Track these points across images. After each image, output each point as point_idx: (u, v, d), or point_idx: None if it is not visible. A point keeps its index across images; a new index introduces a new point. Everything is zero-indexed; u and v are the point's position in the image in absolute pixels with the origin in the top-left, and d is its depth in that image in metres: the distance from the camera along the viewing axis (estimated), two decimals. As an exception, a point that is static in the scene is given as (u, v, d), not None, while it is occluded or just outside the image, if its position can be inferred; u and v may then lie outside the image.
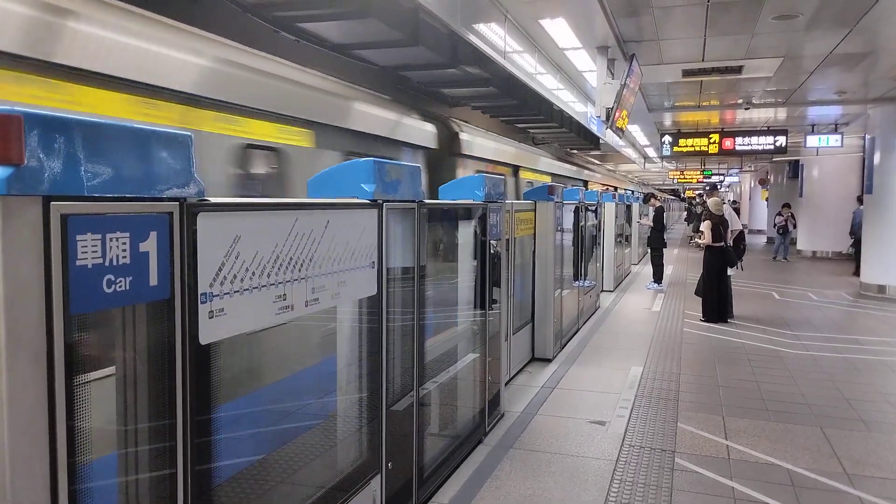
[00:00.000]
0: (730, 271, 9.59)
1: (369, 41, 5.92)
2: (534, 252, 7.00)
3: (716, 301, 9.37)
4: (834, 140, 15.91)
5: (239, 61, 3.87)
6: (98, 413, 1.62)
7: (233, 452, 2.62)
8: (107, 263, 1.55)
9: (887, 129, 12.24)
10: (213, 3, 4.71)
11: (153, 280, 1.70)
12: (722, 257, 9.41)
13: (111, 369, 1.73)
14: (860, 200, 16.39)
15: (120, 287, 1.59)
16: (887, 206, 12.13)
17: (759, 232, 30.74)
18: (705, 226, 9.51)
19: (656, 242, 13.33)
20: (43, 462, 1.43)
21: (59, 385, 1.45)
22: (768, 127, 16.31)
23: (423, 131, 6.37)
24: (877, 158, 12.45)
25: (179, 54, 3.36)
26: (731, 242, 9.69)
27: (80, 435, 1.51)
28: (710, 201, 9.84)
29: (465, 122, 8.39)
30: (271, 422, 3.25)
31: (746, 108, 13.61)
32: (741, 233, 10.17)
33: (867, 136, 13.25)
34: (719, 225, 9.38)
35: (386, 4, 5.25)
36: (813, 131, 16.41)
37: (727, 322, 9.29)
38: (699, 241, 10.02)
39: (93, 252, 1.52)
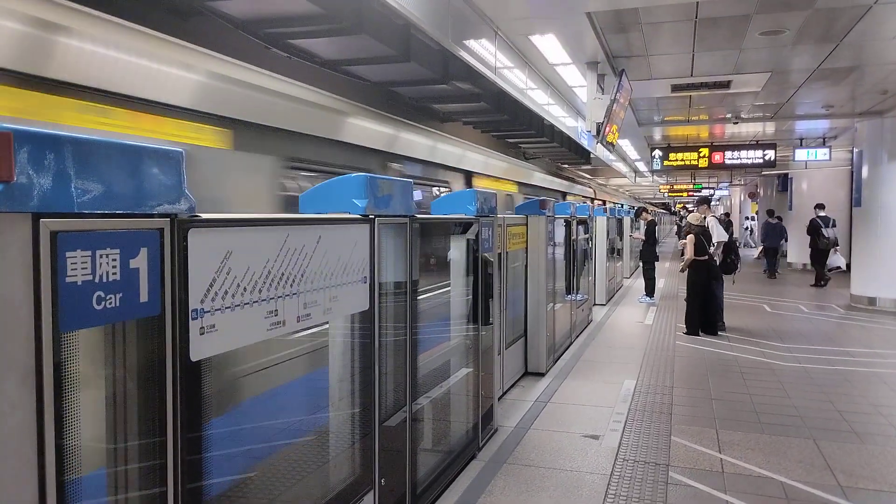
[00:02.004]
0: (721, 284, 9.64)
1: (361, 57, 5.95)
2: (526, 266, 7.01)
3: (699, 314, 9.39)
4: (822, 154, 16.06)
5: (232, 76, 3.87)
6: (88, 431, 1.60)
7: (224, 469, 2.59)
8: (97, 280, 1.54)
9: (874, 142, 12.37)
10: (205, 20, 4.73)
11: (144, 296, 1.69)
12: (706, 270, 9.43)
13: (101, 387, 1.72)
14: (770, 214, 18.99)
15: (110, 304, 1.58)
16: (876, 219, 12.23)
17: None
18: (689, 240, 9.57)
19: (648, 256, 13.38)
20: (32, 482, 1.41)
21: (48, 403, 1.44)
22: (757, 141, 16.45)
23: None
24: (865, 172, 12.57)
25: (171, 69, 3.36)
26: (716, 255, 9.71)
27: (70, 454, 1.49)
28: (690, 216, 9.91)
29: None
30: (263, 438, 3.23)
31: (735, 123, 13.73)
32: (733, 245, 10.19)
33: (855, 150, 13.39)
34: (701, 237, 9.43)
35: (378, 21, 5.29)
36: (801, 145, 16.57)
37: (717, 335, 9.30)
38: (683, 252, 10.06)
39: (82, 269, 1.51)
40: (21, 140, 1.39)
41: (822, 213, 15.80)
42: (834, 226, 15.63)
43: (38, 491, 1.42)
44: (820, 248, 15.39)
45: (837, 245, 15.36)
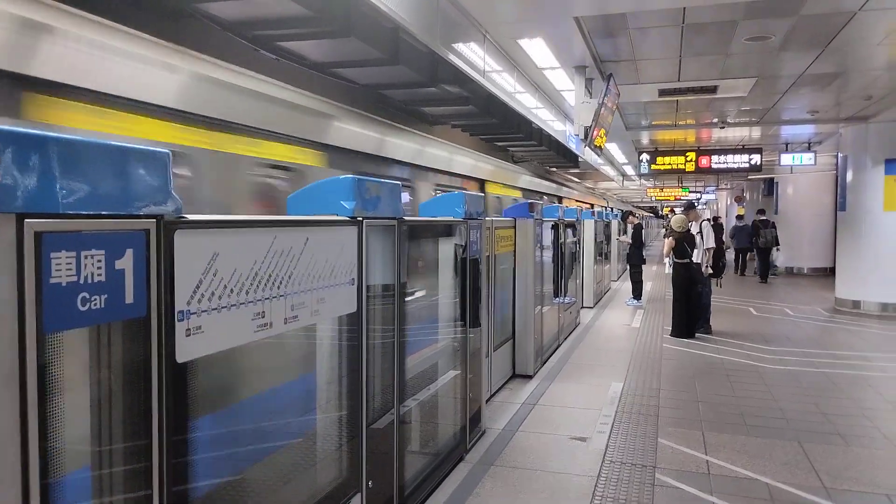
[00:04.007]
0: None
1: (349, 60, 5.94)
2: (514, 269, 7.02)
3: (685, 316, 9.44)
4: (807, 158, 16.22)
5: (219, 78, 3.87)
6: (72, 434, 1.59)
7: (210, 472, 2.58)
8: (81, 281, 1.53)
9: (859, 147, 12.51)
10: (193, 21, 4.71)
11: (129, 298, 1.68)
12: (687, 273, 9.49)
13: (86, 389, 1.71)
14: (739, 218, 21.79)
15: (95, 305, 1.57)
16: (860, 224, 12.36)
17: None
18: (667, 243, 9.68)
19: (635, 259, 13.44)
20: (15, 485, 1.40)
21: (32, 405, 1.43)
22: (743, 145, 16.58)
23: None
24: (849, 176, 12.71)
25: (159, 70, 3.35)
26: (705, 259, 9.76)
27: (54, 456, 1.48)
28: (673, 219, 9.98)
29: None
30: (249, 440, 3.21)
31: (722, 127, 13.82)
32: (720, 249, 10.25)
33: (840, 155, 13.53)
34: (683, 241, 9.48)
35: (366, 24, 5.28)
36: (787, 150, 16.71)
37: (693, 337, 9.35)
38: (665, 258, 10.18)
39: (67, 270, 1.50)
40: (5, 140, 1.38)
41: (762, 218, 18.91)
42: (773, 227, 18.53)
43: (21, 493, 1.41)
44: (760, 247, 18.26)
45: (777, 245, 18.50)
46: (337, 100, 5.71)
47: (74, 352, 1.64)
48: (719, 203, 40.25)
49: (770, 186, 23.05)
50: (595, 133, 8.96)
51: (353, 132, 5.46)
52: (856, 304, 12.45)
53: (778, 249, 18.70)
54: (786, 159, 16.45)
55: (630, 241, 13.88)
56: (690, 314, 9.46)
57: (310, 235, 2.58)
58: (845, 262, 12.86)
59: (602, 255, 14.52)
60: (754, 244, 18.48)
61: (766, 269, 18.25)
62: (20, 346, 1.40)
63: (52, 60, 2.70)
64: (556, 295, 8.66)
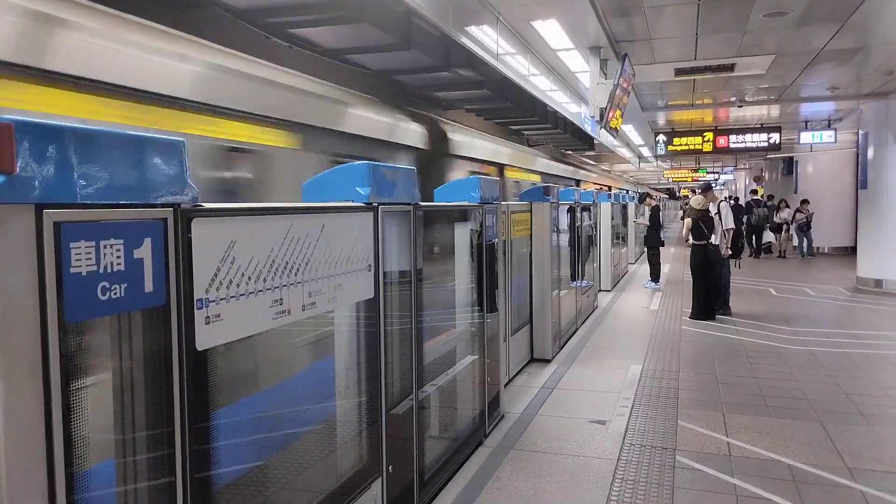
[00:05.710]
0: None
1: (361, 45, 5.92)
2: (531, 253, 7.00)
3: (703, 298, 9.35)
4: (827, 136, 15.95)
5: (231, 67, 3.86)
6: (95, 422, 1.61)
7: (232, 459, 2.61)
8: (101, 271, 1.54)
9: (880, 124, 12.28)
10: (205, 10, 4.71)
11: (148, 286, 1.69)
12: (705, 255, 9.37)
13: (108, 378, 1.72)
14: (759, 192, 22.95)
15: (115, 294, 1.58)
16: (882, 202, 12.17)
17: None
18: (685, 223, 9.56)
19: (653, 241, 13.34)
20: (40, 473, 1.42)
21: (56, 395, 1.44)
22: (762, 124, 16.34)
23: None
24: (870, 153, 12.49)
25: (170, 60, 3.35)
26: (724, 241, 9.63)
27: (78, 445, 1.50)
28: (692, 199, 9.86)
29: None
30: (270, 427, 3.24)
31: (740, 106, 13.63)
32: (739, 230, 10.14)
33: (860, 132, 13.30)
34: (699, 221, 9.35)
35: (378, 9, 5.25)
36: (806, 127, 16.44)
37: (713, 319, 9.27)
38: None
39: (87, 259, 1.51)
40: (22, 131, 1.39)
41: (755, 197, 20.67)
42: (764, 206, 19.87)
43: (47, 482, 1.43)
44: (753, 224, 19.25)
45: (768, 223, 19.83)
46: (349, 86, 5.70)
47: (96, 341, 1.66)
48: (738, 183, 39.78)
49: (789, 165, 22.72)
50: (611, 114, 8.87)
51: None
52: (878, 283, 12.27)
53: (768, 227, 19.85)
54: (805, 137, 16.17)
55: (648, 223, 13.78)
56: (709, 296, 9.38)
57: (326, 222, 2.57)
58: (867, 241, 12.68)
59: (619, 237, 14.42)
60: (748, 221, 19.11)
61: (758, 246, 19.57)
62: (42, 337, 1.42)
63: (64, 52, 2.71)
64: (573, 278, 8.63)
